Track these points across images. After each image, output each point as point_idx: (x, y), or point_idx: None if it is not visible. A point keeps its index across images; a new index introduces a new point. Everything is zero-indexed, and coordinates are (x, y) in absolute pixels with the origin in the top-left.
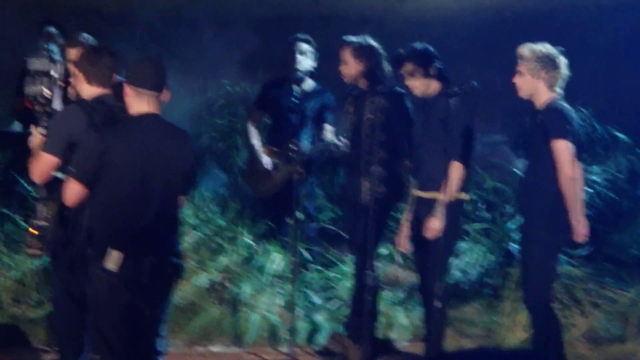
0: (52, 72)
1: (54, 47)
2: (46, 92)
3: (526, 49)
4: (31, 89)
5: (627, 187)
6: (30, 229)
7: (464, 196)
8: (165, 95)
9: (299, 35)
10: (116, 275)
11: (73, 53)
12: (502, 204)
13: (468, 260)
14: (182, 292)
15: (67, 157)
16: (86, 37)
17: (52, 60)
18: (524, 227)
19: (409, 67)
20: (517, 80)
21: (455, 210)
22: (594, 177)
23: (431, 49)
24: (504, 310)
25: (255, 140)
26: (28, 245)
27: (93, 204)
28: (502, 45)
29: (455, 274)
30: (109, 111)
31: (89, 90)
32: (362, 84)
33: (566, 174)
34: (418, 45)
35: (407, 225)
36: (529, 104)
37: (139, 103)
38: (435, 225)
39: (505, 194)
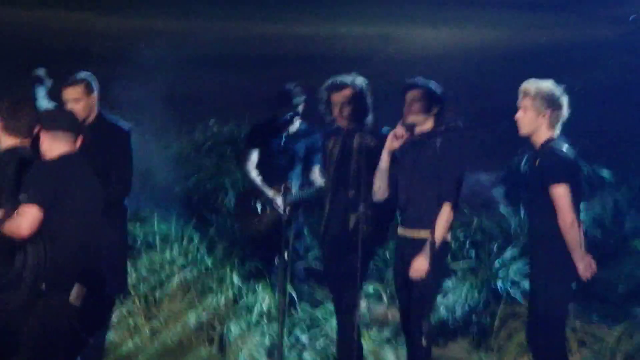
0: None
1: (41, 90)
2: None
3: (532, 86)
4: None
5: (612, 225)
6: None
7: (448, 236)
8: (80, 140)
9: (292, 87)
10: (77, 309)
11: (70, 92)
12: (488, 242)
13: (454, 298)
14: (172, 332)
15: None
16: (83, 76)
17: None
18: (532, 271)
19: (418, 103)
20: (521, 116)
21: (441, 249)
22: (580, 215)
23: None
24: (491, 348)
25: (258, 179)
26: None
27: (43, 241)
28: (489, 84)
29: (442, 312)
30: (22, 162)
31: (5, 140)
32: (348, 124)
33: (565, 219)
34: (428, 81)
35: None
36: (512, 142)
37: (57, 145)
38: (422, 266)
39: (492, 232)
